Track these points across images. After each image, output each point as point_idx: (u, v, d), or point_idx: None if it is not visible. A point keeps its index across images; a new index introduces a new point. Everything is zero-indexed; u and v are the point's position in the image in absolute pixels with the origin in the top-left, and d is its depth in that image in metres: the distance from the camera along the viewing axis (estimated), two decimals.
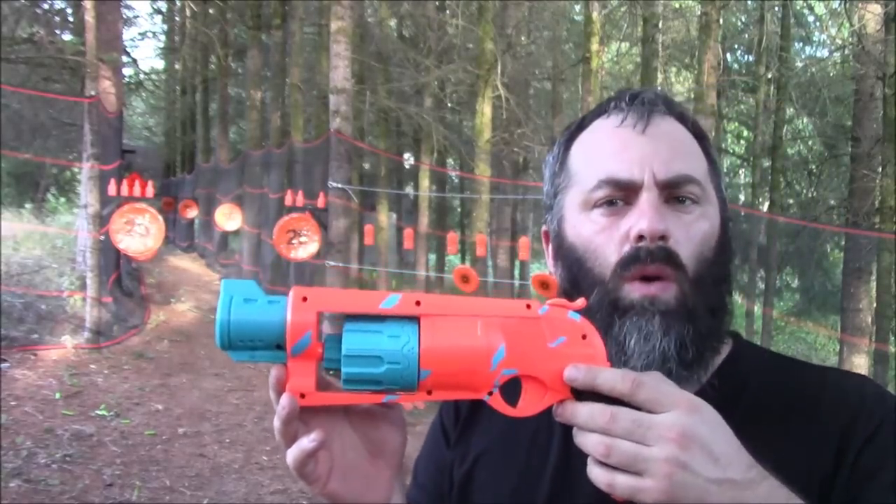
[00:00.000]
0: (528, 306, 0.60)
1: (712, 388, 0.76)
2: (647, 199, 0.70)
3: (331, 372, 0.62)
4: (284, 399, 0.60)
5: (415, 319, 0.59)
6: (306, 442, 0.61)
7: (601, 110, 0.77)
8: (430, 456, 0.91)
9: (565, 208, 0.77)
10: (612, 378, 0.58)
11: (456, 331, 0.59)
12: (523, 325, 0.60)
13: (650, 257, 0.69)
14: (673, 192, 0.71)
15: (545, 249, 0.83)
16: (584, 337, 0.60)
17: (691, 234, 0.71)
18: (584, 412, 0.58)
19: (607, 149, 0.73)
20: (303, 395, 0.60)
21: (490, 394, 0.60)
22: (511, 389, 0.61)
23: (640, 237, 0.69)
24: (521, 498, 0.79)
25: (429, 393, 0.59)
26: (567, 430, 0.69)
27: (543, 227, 0.83)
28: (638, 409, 0.57)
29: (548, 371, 0.60)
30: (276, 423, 0.62)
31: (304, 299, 0.59)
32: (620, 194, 0.71)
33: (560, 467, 0.78)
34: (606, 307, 0.71)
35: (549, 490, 0.77)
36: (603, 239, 0.72)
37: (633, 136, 0.72)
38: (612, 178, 0.71)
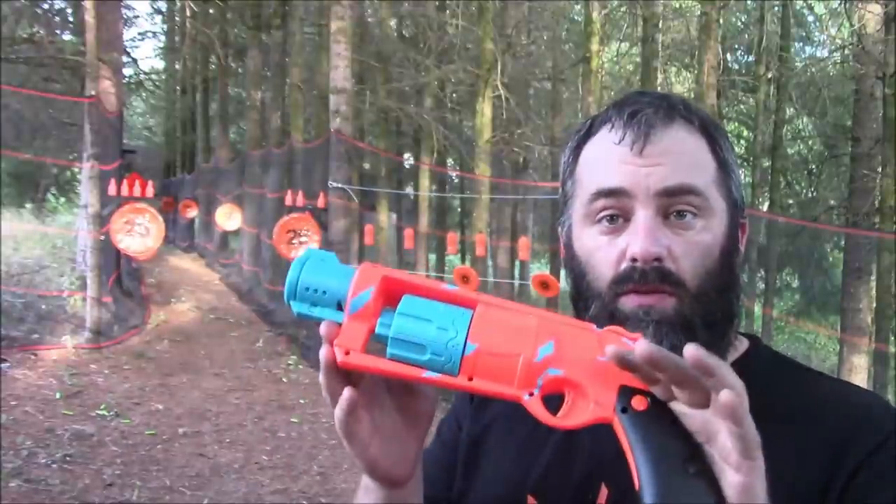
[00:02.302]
0: (589, 321, 0.61)
1: None
2: (642, 217, 0.70)
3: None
4: (324, 350, 0.61)
5: (469, 311, 0.60)
6: (344, 396, 0.62)
7: (607, 117, 0.77)
8: (448, 420, 0.94)
9: (573, 218, 0.78)
10: (673, 357, 0.53)
11: (507, 321, 0.59)
12: (578, 333, 0.59)
13: (644, 278, 0.70)
14: (671, 205, 0.71)
15: (561, 249, 0.84)
16: None
17: (691, 250, 0.71)
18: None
19: (606, 164, 0.74)
20: (347, 353, 0.61)
21: (531, 394, 0.59)
22: (551, 405, 0.60)
23: (635, 258, 0.70)
24: (522, 462, 0.81)
25: (469, 380, 0.59)
26: None
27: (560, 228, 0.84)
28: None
29: (594, 382, 0.58)
30: (320, 376, 0.63)
31: (375, 266, 0.63)
32: (616, 205, 0.72)
33: (561, 440, 0.79)
34: (604, 320, 0.72)
35: (548, 459, 0.79)
36: (601, 256, 0.73)
37: (631, 157, 0.72)
38: (606, 188, 0.72)
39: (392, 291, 0.63)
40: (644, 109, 0.73)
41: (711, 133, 0.76)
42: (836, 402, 0.73)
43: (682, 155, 0.72)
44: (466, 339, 0.59)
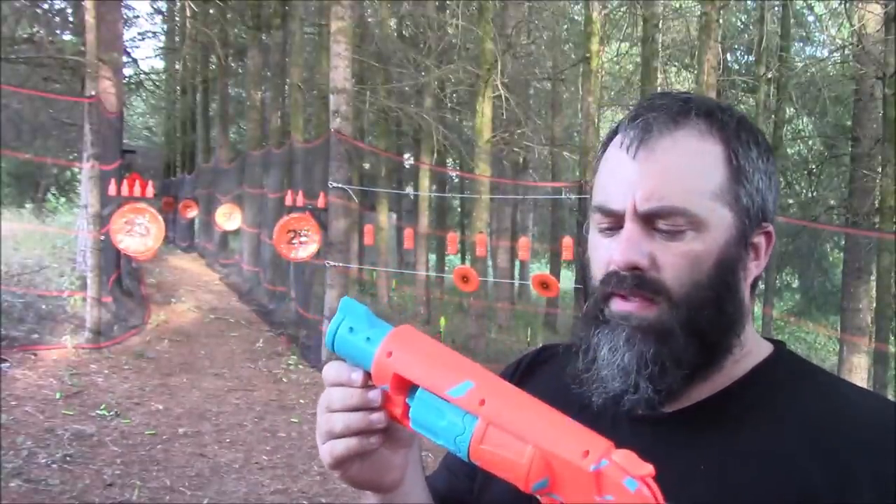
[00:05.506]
0: (586, 453, 0.58)
1: (738, 388, 0.77)
2: (626, 229, 0.73)
3: None
4: (375, 393, 0.68)
5: (475, 418, 0.63)
6: (373, 441, 0.69)
7: (622, 120, 0.79)
8: None
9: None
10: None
11: (506, 447, 0.61)
12: (573, 473, 0.59)
13: (621, 283, 0.73)
14: (655, 223, 0.73)
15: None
16: None
17: (677, 261, 0.72)
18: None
19: (606, 173, 0.77)
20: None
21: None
22: None
23: (617, 265, 0.74)
24: None
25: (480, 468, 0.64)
26: (600, 412, 0.77)
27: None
28: None
29: None
30: (363, 415, 0.68)
31: (390, 354, 0.66)
32: (611, 220, 0.76)
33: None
34: (592, 317, 0.76)
35: None
36: (596, 257, 0.77)
37: (626, 162, 0.74)
38: (601, 207, 0.76)
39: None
40: (650, 113, 0.75)
41: (730, 138, 0.75)
42: (850, 417, 0.71)
43: (673, 167, 0.73)
44: (468, 453, 0.62)
